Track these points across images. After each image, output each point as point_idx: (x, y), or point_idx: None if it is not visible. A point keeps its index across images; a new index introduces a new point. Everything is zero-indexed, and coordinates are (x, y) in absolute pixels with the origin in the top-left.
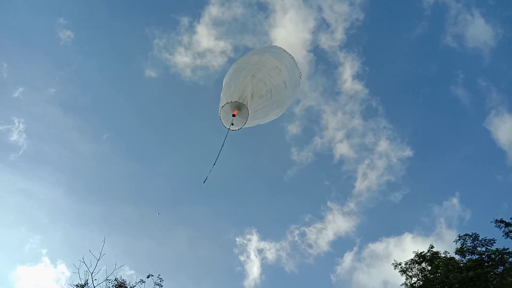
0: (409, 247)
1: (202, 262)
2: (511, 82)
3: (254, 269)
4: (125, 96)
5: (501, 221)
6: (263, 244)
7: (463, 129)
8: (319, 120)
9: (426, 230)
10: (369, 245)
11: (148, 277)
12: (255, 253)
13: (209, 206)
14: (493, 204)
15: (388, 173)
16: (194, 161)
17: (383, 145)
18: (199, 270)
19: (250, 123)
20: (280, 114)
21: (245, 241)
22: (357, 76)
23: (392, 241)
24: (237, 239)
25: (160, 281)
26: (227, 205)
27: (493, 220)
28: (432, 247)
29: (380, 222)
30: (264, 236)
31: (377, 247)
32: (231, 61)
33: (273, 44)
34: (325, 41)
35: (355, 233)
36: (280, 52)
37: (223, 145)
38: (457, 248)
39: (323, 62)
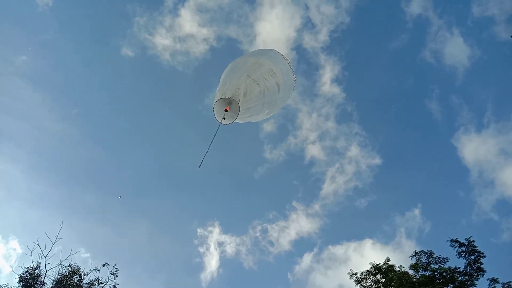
0: (368, 253)
1: (160, 251)
2: (481, 103)
3: (212, 262)
4: (98, 73)
5: (456, 241)
6: (224, 238)
7: (432, 143)
8: (294, 119)
9: (387, 238)
10: (330, 247)
11: (103, 265)
12: (215, 246)
13: (174, 198)
14: (452, 220)
15: (356, 179)
16: (164, 151)
17: (354, 150)
18: (157, 259)
19: (241, 119)
20: (272, 114)
21: (206, 233)
22: (336, 80)
23: (352, 245)
24: (198, 230)
25: (116, 271)
26: (193, 197)
27: (449, 239)
28: (388, 260)
29: (342, 226)
30: (226, 229)
31: (337, 250)
32: (212, 49)
33: (271, 48)
34: (308, 41)
35: (317, 234)
36: (277, 56)
37: (214, 136)
38: (412, 263)
39: (304, 61)
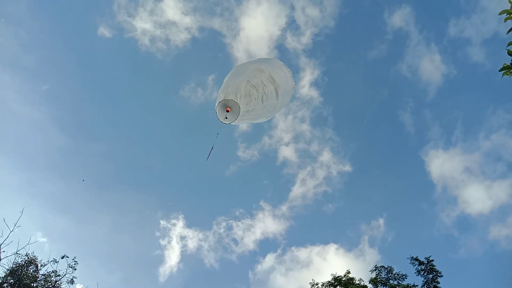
0: (331, 257)
1: (121, 242)
2: (452, 121)
3: (173, 256)
4: (72, 52)
5: (416, 259)
6: (187, 232)
7: (402, 155)
8: (270, 120)
9: (351, 244)
10: (293, 249)
11: (62, 257)
12: (178, 240)
13: (140, 189)
14: (414, 232)
15: (326, 184)
16: (134, 141)
17: (326, 155)
18: (117, 250)
19: (241, 121)
20: (270, 117)
21: (169, 225)
22: (315, 83)
23: (316, 249)
24: (161, 222)
25: (75, 264)
26: (159, 189)
27: (410, 256)
28: (349, 272)
29: (308, 229)
30: (190, 223)
31: (301, 252)
32: (194, 40)
33: (273, 58)
34: (291, 42)
35: (282, 236)
36: (278, 64)
37: (218, 134)
38: (371, 277)
39: (285, 62)
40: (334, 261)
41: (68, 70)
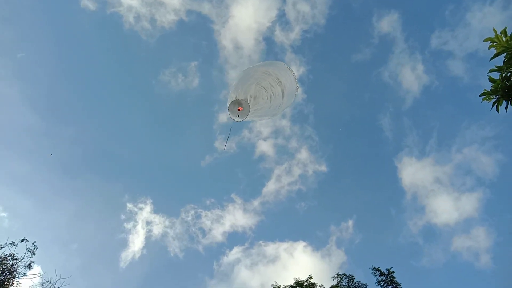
0: (298, 254)
1: (85, 226)
2: (428, 131)
3: (137, 242)
4: (52, 22)
5: (377, 270)
6: (154, 217)
7: (377, 159)
8: None
9: (319, 243)
10: (261, 243)
11: (22, 241)
12: (143, 225)
13: (108, 176)
14: (381, 237)
15: (301, 183)
16: (108, 125)
17: (303, 153)
18: (79, 234)
19: (250, 118)
20: (275, 115)
21: (136, 209)
22: (299, 80)
23: (284, 245)
24: (128, 205)
25: (34, 248)
26: (129, 173)
27: (371, 267)
28: (311, 277)
29: (278, 225)
30: (157, 208)
31: (269, 248)
32: (181, 23)
33: (278, 61)
34: (279, 36)
35: (251, 230)
36: (283, 68)
37: (231, 129)
38: (333, 284)
39: (272, 55)
40: (301, 259)
41: (46, 41)
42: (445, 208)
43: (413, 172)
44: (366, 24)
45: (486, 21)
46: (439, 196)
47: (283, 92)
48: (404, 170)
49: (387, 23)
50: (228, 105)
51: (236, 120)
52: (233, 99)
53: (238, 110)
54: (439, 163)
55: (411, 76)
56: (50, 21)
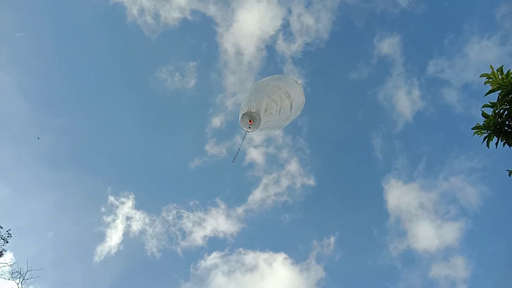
0: (278, 265)
1: (64, 214)
2: (418, 155)
3: (114, 237)
4: (55, 6)
5: None
6: (135, 213)
7: (365, 178)
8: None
9: (299, 257)
10: (241, 251)
11: None
12: (123, 220)
13: (93, 170)
14: (361, 256)
15: (288, 195)
16: (99, 119)
17: (293, 165)
18: (57, 221)
19: (260, 129)
20: (283, 127)
21: (117, 203)
22: None
23: (264, 255)
24: (109, 197)
25: (8, 237)
26: (114, 168)
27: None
28: None
29: (260, 235)
30: (139, 204)
31: (248, 256)
32: (185, 21)
33: (286, 75)
34: (281, 46)
35: (232, 236)
36: (292, 82)
37: (243, 140)
38: None
39: (272, 64)
40: (280, 270)
41: (46, 23)
42: (427, 234)
43: (399, 195)
44: (367, 43)
45: (483, 54)
46: (422, 222)
47: (291, 106)
48: (390, 192)
49: (388, 45)
50: (240, 117)
51: (247, 131)
52: (246, 111)
53: (249, 122)
54: (425, 189)
55: (405, 100)
56: (53, 3)
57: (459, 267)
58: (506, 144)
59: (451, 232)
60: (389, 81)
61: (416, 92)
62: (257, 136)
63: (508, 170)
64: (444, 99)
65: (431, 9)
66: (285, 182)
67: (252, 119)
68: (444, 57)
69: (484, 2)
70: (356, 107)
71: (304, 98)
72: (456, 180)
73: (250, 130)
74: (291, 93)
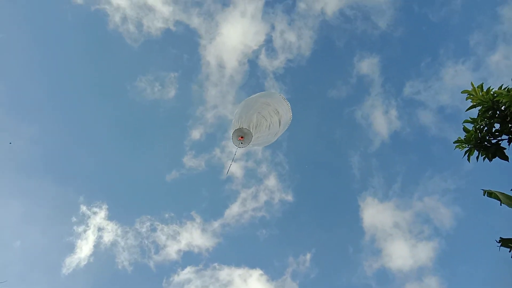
0: (253, 282)
1: (32, 223)
2: (393, 174)
3: (85, 248)
4: (38, 10)
5: None
6: (107, 224)
7: (342, 195)
8: (224, 134)
9: (275, 273)
10: (216, 266)
11: None
12: (94, 230)
13: (65, 180)
14: (336, 274)
15: (266, 210)
16: (72, 127)
17: (272, 180)
18: (25, 230)
19: (252, 145)
20: (271, 142)
21: (89, 213)
22: None
23: (240, 271)
24: (81, 207)
25: None
26: (87, 177)
27: None
28: None
29: (236, 250)
30: (112, 215)
31: (223, 272)
32: (168, 32)
33: (274, 91)
34: (263, 61)
35: (207, 251)
36: (279, 99)
37: (234, 156)
38: None
39: (254, 79)
40: (255, 287)
41: (27, 25)
42: (401, 253)
43: (374, 214)
44: (347, 62)
45: (457, 78)
46: (397, 241)
47: (279, 121)
48: (366, 210)
49: (367, 65)
50: (232, 133)
51: (239, 147)
52: (237, 127)
53: (240, 138)
54: (399, 208)
55: (382, 120)
56: (36, 6)
57: (432, 287)
58: (485, 159)
59: (424, 252)
60: (367, 100)
61: (393, 112)
62: (236, 149)
63: (482, 189)
64: (420, 120)
65: (409, 33)
66: (263, 197)
67: (243, 135)
68: (420, 79)
69: (458, 29)
70: (334, 124)
71: (291, 114)
72: (430, 200)
73: (242, 146)
74: (279, 110)
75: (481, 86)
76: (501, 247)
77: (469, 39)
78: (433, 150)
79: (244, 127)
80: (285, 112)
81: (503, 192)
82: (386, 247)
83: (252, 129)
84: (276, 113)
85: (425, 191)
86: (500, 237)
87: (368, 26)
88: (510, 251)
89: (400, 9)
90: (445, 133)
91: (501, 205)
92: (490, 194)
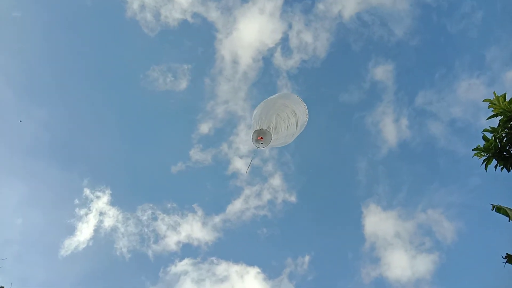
0: (249, 279)
1: (35, 203)
2: (398, 184)
3: (85, 231)
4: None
5: None
6: (109, 209)
7: (346, 200)
8: (234, 128)
9: (272, 273)
10: (214, 260)
11: None
12: (96, 214)
13: (71, 164)
14: (333, 278)
15: (269, 209)
16: (82, 112)
17: (277, 180)
18: (27, 210)
19: (270, 145)
20: (289, 143)
21: (92, 196)
22: None
23: (237, 267)
24: (85, 190)
25: None
26: (93, 162)
27: None
28: None
29: (236, 246)
30: (115, 201)
31: (220, 267)
32: (185, 24)
33: (291, 93)
34: (278, 59)
35: (206, 244)
36: (297, 100)
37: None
38: None
39: (267, 77)
40: (251, 284)
41: (44, 7)
42: (400, 264)
43: (377, 222)
44: (361, 67)
45: (471, 92)
46: (397, 251)
47: (297, 123)
48: (369, 217)
49: (382, 71)
50: (252, 134)
51: (258, 147)
52: (257, 128)
53: (260, 139)
54: (402, 218)
55: (392, 127)
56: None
57: None
58: (503, 169)
59: (423, 264)
60: (379, 107)
61: (404, 121)
62: (243, 146)
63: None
64: (430, 131)
65: (426, 42)
66: (266, 196)
67: (263, 136)
68: (434, 90)
69: (476, 42)
70: (344, 128)
71: (307, 115)
72: (433, 213)
73: (262, 147)
74: (296, 111)
75: (504, 96)
76: (506, 263)
77: (486, 54)
78: (441, 162)
79: (264, 128)
80: (302, 113)
81: None
82: (386, 256)
83: (272, 130)
84: (293, 115)
85: (429, 203)
86: (507, 253)
87: (385, 32)
88: None
89: (418, 18)
90: (454, 146)
91: (509, 221)
92: (499, 209)
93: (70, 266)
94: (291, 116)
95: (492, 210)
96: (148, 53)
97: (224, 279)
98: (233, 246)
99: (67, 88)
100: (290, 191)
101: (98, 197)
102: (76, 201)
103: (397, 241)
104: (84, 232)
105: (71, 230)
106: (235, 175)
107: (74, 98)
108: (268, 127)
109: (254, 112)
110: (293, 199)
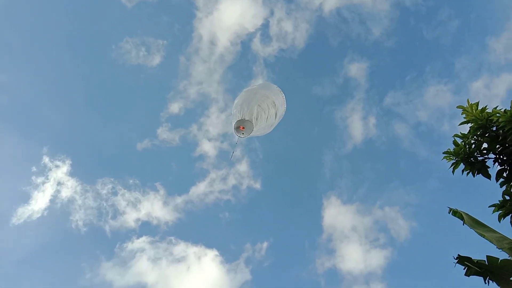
0: (206, 261)
1: None
2: (360, 180)
3: (40, 201)
4: None
5: None
6: (68, 180)
7: (309, 190)
8: (207, 109)
9: (230, 256)
10: (172, 239)
11: None
12: (53, 184)
13: (31, 127)
14: (288, 266)
15: (233, 194)
16: (46, 81)
17: (244, 166)
18: None
19: (251, 135)
20: (267, 133)
21: (51, 165)
22: None
23: (195, 249)
24: (44, 158)
25: None
26: (55, 129)
27: None
28: None
29: (196, 228)
30: (74, 172)
31: (178, 247)
32: (165, 1)
33: (270, 82)
34: (257, 45)
35: (166, 224)
36: (277, 91)
37: (236, 143)
38: None
39: (243, 62)
40: (207, 266)
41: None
42: (354, 257)
43: (336, 214)
44: (337, 62)
45: (438, 98)
46: (352, 244)
47: (276, 114)
48: (328, 209)
49: (356, 69)
50: (234, 123)
51: (240, 136)
52: (239, 118)
53: (241, 128)
54: (360, 213)
55: (359, 124)
56: None
57: None
58: (469, 174)
59: (376, 259)
60: (349, 103)
61: (372, 119)
62: (213, 129)
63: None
64: (395, 131)
65: (401, 44)
66: (231, 181)
67: (244, 125)
68: (403, 92)
69: (448, 50)
70: (313, 121)
71: (285, 106)
72: (390, 211)
73: (243, 136)
74: (276, 102)
75: (477, 104)
76: (457, 263)
77: (456, 62)
78: (402, 163)
79: (246, 119)
80: (281, 104)
81: (467, 213)
82: (341, 248)
83: (253, 120)
84: (273, 106)
85: (387, 201)
86: (458, 254)
87: (363, 30)
88: (464, 269)
89: (396, 20)
90: (416, 148)
91: (463, 224)
92: (455, 212)
93: (22, 235)
94: (271, 107)
95: (449, 213)
96: (123, 24)
97: (181, 259)
98: (193, 228)
99: (31, 53)
100: (256, 178)
101: (57, 166)
102: (34, 169)
103: (353, 234)
104: (40, 201)
105: (25, 198)
106: (202, 157)
107: (39, 64)
108: (250, 118)
109: (235, 102)
110: (257, 186)
